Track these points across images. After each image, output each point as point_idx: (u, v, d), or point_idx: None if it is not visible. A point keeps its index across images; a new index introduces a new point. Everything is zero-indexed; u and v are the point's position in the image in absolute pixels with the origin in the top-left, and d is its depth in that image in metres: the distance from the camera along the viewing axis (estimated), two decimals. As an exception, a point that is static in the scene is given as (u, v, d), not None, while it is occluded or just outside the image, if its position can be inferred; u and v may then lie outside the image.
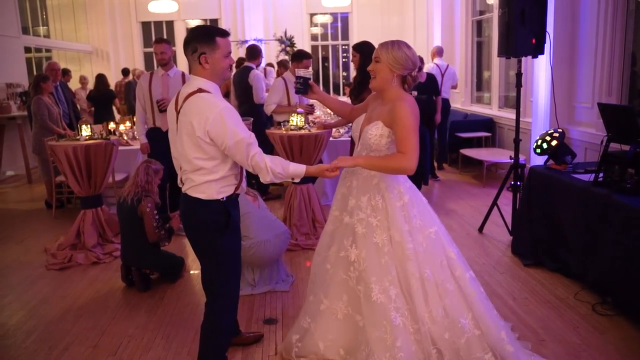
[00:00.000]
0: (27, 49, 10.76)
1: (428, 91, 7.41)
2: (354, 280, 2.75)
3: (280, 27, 13.31)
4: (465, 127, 8.53)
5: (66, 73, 9.65)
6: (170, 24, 14.23)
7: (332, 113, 5.57)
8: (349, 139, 5.33)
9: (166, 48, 5.14)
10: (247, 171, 2.62)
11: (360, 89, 4.53)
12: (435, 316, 2.69)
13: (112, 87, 10.92)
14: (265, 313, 3.69)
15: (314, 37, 14.80)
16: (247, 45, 8.19)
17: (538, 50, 4.61)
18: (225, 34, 2.54)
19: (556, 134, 4.32)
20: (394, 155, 2.61)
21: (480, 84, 10.09)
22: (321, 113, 7.74)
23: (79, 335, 3.48)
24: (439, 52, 8.97)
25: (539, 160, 5.11)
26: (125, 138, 6.65)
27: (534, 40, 4.54)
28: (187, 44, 2.52)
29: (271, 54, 12.83)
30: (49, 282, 4.40)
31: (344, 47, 14.93)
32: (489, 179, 7.39)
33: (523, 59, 4.85)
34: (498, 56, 4.99)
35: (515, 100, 5.04)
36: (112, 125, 6.95)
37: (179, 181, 2.68)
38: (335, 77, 15.25)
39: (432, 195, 6.84)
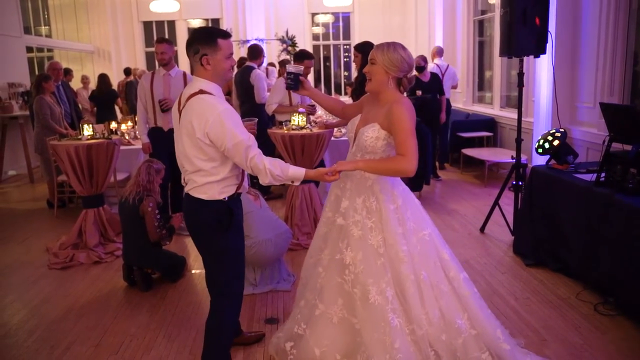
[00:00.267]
0: (29, 49, 10.77)
1: (432, 90, 7.42)
2: (350, 284, 2.71)
3: (282, 26, 13.31)
4: (467, 126, 8.53)
5: (68, 73, 9.66)
6: (171, 24, 14.24)
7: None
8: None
9: (167, 48, 5.14)
10: None
11: (362, 89, 4.50)
12: (431, 318, 2.69)
13: (115, 86, 10.92)
14: (266, 313, 3.69)
15: (315, 37, 14.79)
16: (248, 45, 8.20)
17: (540, 50, 4.61)
18: (226, 35, 2.55)
19: (558, 134, 4.32)
20: (394, 158, 2.60)
21: (482, 84, 10.08)
22: (322, 113, 7.74)
23: (81, 335, 3.48)
24: (439, 52, 8.97)
25: (540, 160, 5.10)
26: (127, 138, 6.66)
27: (534, 41, 4.54)
28: (189, 45, 2.54)
29: (273, 53, 12.83)
30: (51, 282, 4.41)
31: (345, 46, 14.93)
32: (491, 179, 7.38)
33: (525, 58, 4.84)
34: (500, 56, 4.98)
35: (517, 99, 5.03)
36: (113, 125, 6.96)
37: (182, 180, 2.71)
38: (336, 76, 15.25)
39: (434, 195, 6.84)
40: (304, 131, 5.08)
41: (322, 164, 5.55)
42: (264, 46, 9.97)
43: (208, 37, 2.49)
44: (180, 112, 2.56)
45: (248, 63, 6.77)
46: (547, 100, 6.33)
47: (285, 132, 5.10)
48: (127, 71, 11.74)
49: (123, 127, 7.11)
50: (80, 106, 9.45)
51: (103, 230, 5.19)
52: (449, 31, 10.71)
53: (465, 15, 10.01)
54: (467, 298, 2.79)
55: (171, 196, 5.60)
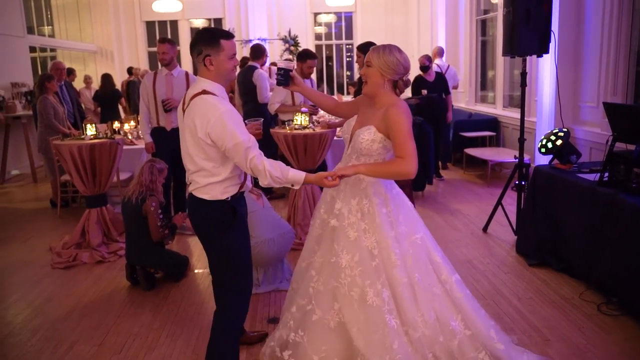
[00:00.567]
0: (32, 49, 10.79)
1: (437, 90, 7.42)
2: (346, 287, 2.69)
3: (284, 26, 13.33)
4: (470, 126, 8.52)
5: (71, 72, 9.68)
6: (174, 24, 14.26)
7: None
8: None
9: (168, 48, 5.14)
10: None
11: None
12: (427, 320, 2.69)
13: (118, 86, 10.94)
14: (269, 312, 3.69)
15: (318, 37, 14.80)
16: (251, 44, 8.20)
17: (543, 50, 4.60)
18: (229, 36, 2.57)
19: (561, 134, 4.31)
20: (393, 161, 2.60)
21: (484, 83, 10.07)
22: (325, 112, 7.75)
23: (84, 334, 3.49)
24: (439, 52, 8.98)
25: (543, 160, 5.10)
26: (130, 137, 6.67)
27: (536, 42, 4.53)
28: (192, 46, 2.57)
29: (275, 53, 12.84)
30: (54, 281, 4.42)
31: (347, 46, 14.93)
32: (494, 179, 7.38)
33: (528, 58, 4.84)
34: (503, 55, 4.98)
35: (519, 99, 5.03)
36: (116, 125, 6.97)
37: (186, 180, 2.73)
38: (339, 76, 15.25)
39: (437, 194, 6.84)
40: (307, 131, 5.08)
41: (324, 164, 5.55)
42: (266, 46, 9.97)
43: (211, 38, 2.52)
44: (184, 111, 2.59)
45: (250, 63, 6.77)
46: (550, 99, 6.32)
47: (288, 131, 5.10)
48: (131, 71, 11.78)
49: (126, 126, 7.12)
50: (83, 106, 9.47)
51: (106, 229, 5.20)
52: (451, 31, 10.70)
53: (468, 15, 10.00)
54: (459, 300, 2.80)
55: (174, 196, 5.61)
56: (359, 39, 14.04)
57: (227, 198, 2.60)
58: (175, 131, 5.15)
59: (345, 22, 14.78)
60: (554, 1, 4.66)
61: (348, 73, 15.12)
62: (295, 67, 5.91)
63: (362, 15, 14.31)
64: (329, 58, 15.17)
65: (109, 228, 5.20)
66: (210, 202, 2.58)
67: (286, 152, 5.18)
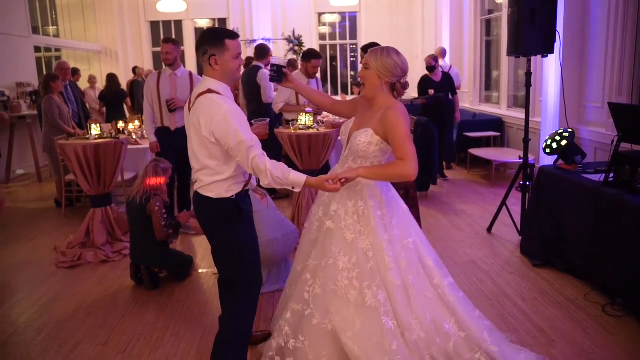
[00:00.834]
0: (37, 49, 10.82)
1: (444, 90, 7.41)
2: (343, 290, 2.68)
3: (289, 26, 13.32)
4: (474, 126, 8.50)
5: (75, 72, 9.70)
6: (178, 24, 14.28)
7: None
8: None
9: (172, 48, 5.15)
10: None
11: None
12: (423, 322, 2.70)
13: (123, 86, 10.98)
14: (273, 312, 3.68)
15: (322, 37, 14.80)
16: (255, 44, 8.20)
17: (548, 50, 4.59)
18: (234, 36, 2.59)
19: (566, 134, 4.30)
20: (394, 163, 2.60)
21: (489, 84, 10.05)
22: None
23: (89, 333, 3.50)
24: (442, 53, 8.97)
25: (548, 160, 5.09)
26: (134, 137, 6.68)
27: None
28: (198, 46, 2.60)
29: (279, 53, 12.84)
30: (59, 280, 4.43)
31: (352, 46, 14.93)
32: (498, 179, 7.36)
33: (532, 58, 4.83)
34: (508, 55, 4.97)
35: (524, 99, 5.01)
36: (121, 125, 6.99)
37: (192, 178, 2.76)
38: (343, 76, 15.25)
39: (441, 194, 6.83)
40: (311, 131, 5.08)
41: (328, 164, 5.55)
42: (270, 46, 9.98)
43: (216, 38, 2.54)
44: (190, 110, 2.63)
45: (255, 63, 6.77)
46: (555, 100, 6.30)
47: (292, 131, 5.10)
48: (135, 70, 11.82)
49: (130, 126, 7.13)
50: (87, 106, 9.50)
51: (110, 229, 5.21)
52: (455, 31, 10.68)
53: (472, 15, 9.98)
54: (452, 304, 2.80)
55: (178, 196, 5.62)
56: (363, 39, 14.04)
57: (232, 196, 2.62)
58: (180, 131, 5.18)
59: (349, 22, 14.77)
60: (559, 1, 4.64)
61: (352, 73, 15.11)
62: (301, 66, 5.92)
63: (366, 16, 14.30)
64: (333, 58, 15.17)
65: (114, 228, 5.22)
66: (215, 200, 2.61)
67: (290, 152, 5.18)
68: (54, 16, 12.96)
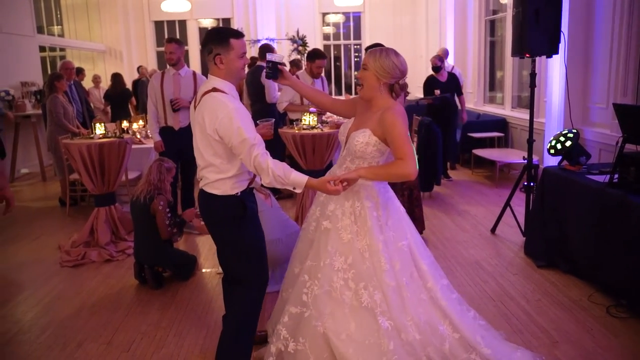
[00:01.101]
0: (42, 48, 10.85)
1: (449, 90, 7.41)
2: (338, 291, 2.67)
3: (293, 26, 13.33)
4: (478, 127, 8.49)
5: (80, 72, 9.73)
6: (182, 24, 14.29)
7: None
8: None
9: (175, 48, 5.15)
10: None
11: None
12: (417, 323, 2.69)
13: (128, 85, 11.00)
14: (277, 312, 3.69)
15: (326, 37, 14.80)
16: (259, 44, 8.21)
17: (552, 50, 4.58)
18: (239, 35, 2.61)
19: (570, 135, 4.29)
20: (393, 163, 2.60)
21: (493, 84, 10.04)
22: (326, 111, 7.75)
23: (93, 332, 3.51)
24: (444, 54, 8.95)
25: (552, 161, 5.08)
26: (138, 137, 6.70)
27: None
28: (203, 45, 2.63)
29: (283, 53, 12.84)
30: (63, 279, 4.44)
31: (356, 46, 14.92)
32: (502, 180, 7.35)
33: (537, 58, 4.82)
34: (512, 56, 4.96)
35: (528, 100, 5.00)
36: (125, 124, 7.00)
37: (197, 176, 2.78)
38: (347, 76, 15.25)
39: (445, 195, 6.82)
40: (315, 131, 5.08)
41: (331, 164, 5.55)
42: (274, 46, 9.98)
43: (221, 37, 2.56)
44: (195, 108, 2.65)
45: (259, 63, 6.77)
46: (559, 100, 6.29)
47: (296, 131, 5.11)
48: (138, 70, 11.85)
49: (134, 126, 7.15)
50: (92, 105, 9.52)
51: (114, 228, 5.23)
52: (460, 31, 10.67)
53: (477, 15, 9.96)
54: (445, 307, 2.80)
55: (182, 195, 5.63)
56: (367, 39, 14.03)
57: (237, 193, 2.64)
58: (183, 130, 5.19)
59: (353, 22, 14.77)
60: (563, 1, 4.63)
61: (356, 73, 15.09)
62: (305, 66, 5.93)
63: (370, 16, 14.29)
64: (337, 58, 15.17)
65: (118, 227, 5.23)
66: (221, 197, 2.63)
67: (294, 152, 5.19)
68: (58, 16, 13.00)
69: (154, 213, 4.12)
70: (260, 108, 6.48)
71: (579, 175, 4.09)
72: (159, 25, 14.38)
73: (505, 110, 8.80)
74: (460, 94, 7.65)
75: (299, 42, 12.77)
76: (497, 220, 5.27)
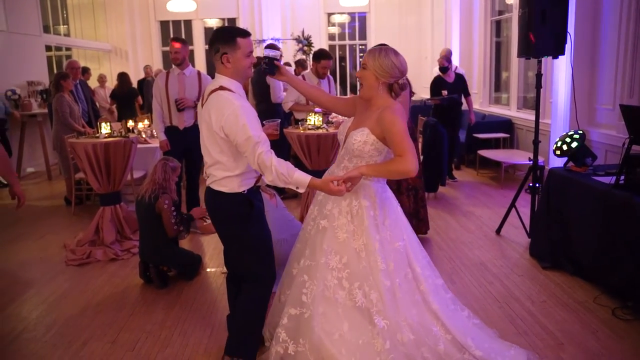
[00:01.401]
0: (48, 48, 10.90)
1: (457, 91, 7.39)
2: (331, 290, 2.67)
3: (298, 26, 13.34)
4: (483, 128, 8.47)
5: (86, 71, 9.77)
6: (188, 23, 14.33)
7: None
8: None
9: (180, 48, 5.16)
10: None
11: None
12: (411, 324, 2.70)
13: (134, 85, 11.03)
14: (281, 312, 3.69)
15: (331, 37, 14.80)
16: (265, 44, 8.20)
17: (559, 51, 4.56)
18: (246, 34, 2.63)
19: (576, 136, 4.28)
20: (393, 160, 2.60)
21: (498, 85, 10.01)
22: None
23: (98, 331, 3.52)
24: (447, 54, 8.92)
25: (558, 162, 5.06)
26: (144, 136, 6.71)
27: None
28: (210, 45, 2.65)
29: (289, 53, 12.85)
30: (68, 278, 4.46)
31: (361, 47, 14.92)
32: (507, 181, 7.33)
33: (543, 59, 4.80)
34: (518, 57, 4.94)
35: (533, 101, 4.99)
36: (130, 124, 7.02)
37: (204, 174, 2.81)
38: (352, 77, 15.24)
39: (450, 196, 6.80)
40: (320, 131, 5.08)
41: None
42: (280, 46, 9.99)
43: (228, 36, 2.59)
44: (202, 106, 2.68)
45: (264, 63, 6.77)
46: (565, 101, 6.27)
47: (301, 131, 5.11)
48: (144, 69, 11.89)
49: (140, 125, 7.16)
50: (97, 104, 9.55)
51: (120, 227, 5.24)
52: (465, 32, 10.65)
53: (482, 16, 9.94)
54: (437, 310, 2.81)
55: (187, 196, 5.64)
56: (372, 40, 14.03)
57: (244, 191, 2.67)
58: (188, 130, 5.20)
59: (358, 22, 14.76)
60: (570, 2, 4.62)
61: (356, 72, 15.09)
62: (311, 65, 5.93)
63: (375, 16, 14.29)
64: (342, 58, 15.17)
65: (123, 226, 5.24)
66: (228, 194, 2.66)
67: (299, 152, 5.19)
68: (64, 15, 13.05)
69: (159, 212, 4.13)
70: (266, 108, 6.49)
71: (584, 177, 4.08)
72: (164, 25, 14.42)
73: (510, 111, 8.78)
74: (467, 94, 7.63)
75: (304, 42, 12.77)
76: (502, 221, 5.25)
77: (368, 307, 2.64)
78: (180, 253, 4.35)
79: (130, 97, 10.06)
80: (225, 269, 3.11)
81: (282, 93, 6.39)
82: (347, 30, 14.92)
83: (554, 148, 4.44)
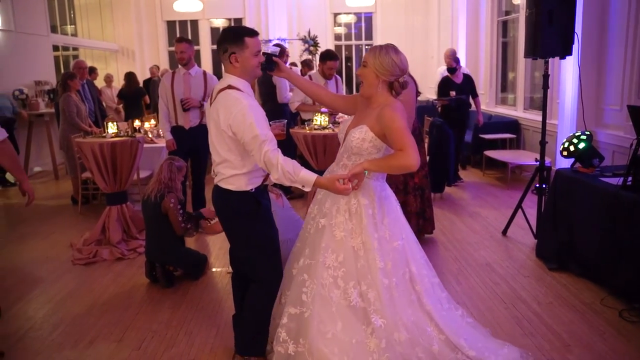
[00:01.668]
0: (55, 48, 10.95)
1: (465, 92, 7.37)
2: (327, 288, 2.66)
3: (304, 26, 13.35)
4: (490, 128, 8.44)
5: (92, 71, 9.80)
6: (194, 23, 14.36)
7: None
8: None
9: (186, 47, 5.17)
10: None
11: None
12: (406, 323, 2.69)
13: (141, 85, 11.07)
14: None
15: (337, 37, 14.79)
16: (271, 44, 8.21)
17: (566, 51, 4.54)
18: (253, 33, 2.65)
19: (583, 137, 4.26)
20: (395, 154, 2.59)
21: (505, 85, 9.98)
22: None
23: (104, 330, 3.53)
24: (452, 54, 8.90)
25: (564, 163, 5.03)
26: (150, 136, 6.73)
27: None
28: (219, 45, 2.66)
29: (295, 53, 12.86)
30: (75, 277, 4.47)
31: (367, 47, 14.88)
32: (513, 181, 7.30)
33: (550, 60, 4.78)
34: (525, 57, 4.92)
35: (540, 101, 4.97)
36: (137, 123, 7.04)
37: (212, 172, 2.82)
38: (358, 77, 15.22)
39: (456, 196, 6.79)
40: (326, 131, 5.09)
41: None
42: (286, 46, 9.99)
43: (236, 35, 2.61)
44: (211, 104, 2.70)
45: (271, 63, 6.77)
46: (572, 102, 6.24)
47: (308, 131, 5.11)
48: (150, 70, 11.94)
49: (146, 125, 7.18)
50: (104, 104, 9.59)
51: (126, 227, 5.25)
52: (472, 32, 10.62)
53: (489, 16, 9.91)
54: (430, 310, 2.80)
55: (193, 196, 5.65)
56: (378, 40, 14.01)
57: (251, 189, 2.68)
58: (194, 130, 5.21)
59: (365, 22, 14.75)
60: (577, 2, 4.59)
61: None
62: (318, 67, 5.93)
63: (382, 16, 14.27)
64: (348, 59, 15.16)
65: (129, 225, 5.26)
66: (235, 192, 2.67)
67: (305, 152, 5.19)
68: (72, 15, 13.12)
69: (165, 211, 4.14)
70: (272, 108, 6.49)
71: (591, 178, 4.05)
72: (171, 25, 14.46)
73: (517, 111, 8.75)
74: (475, 95, 7.60)
75: (311, 42, 12.78)
76: (509, 222, 5.23)
77: (364, 306, 2.64)
78: (186, 253, 4.36)
79: (138, 97, 10.10)
80: (230, 269, 3.11)
81: (289, 93, 6.40)
82: (353, 31, 14.91)
83: (560, 149, 4.42)
